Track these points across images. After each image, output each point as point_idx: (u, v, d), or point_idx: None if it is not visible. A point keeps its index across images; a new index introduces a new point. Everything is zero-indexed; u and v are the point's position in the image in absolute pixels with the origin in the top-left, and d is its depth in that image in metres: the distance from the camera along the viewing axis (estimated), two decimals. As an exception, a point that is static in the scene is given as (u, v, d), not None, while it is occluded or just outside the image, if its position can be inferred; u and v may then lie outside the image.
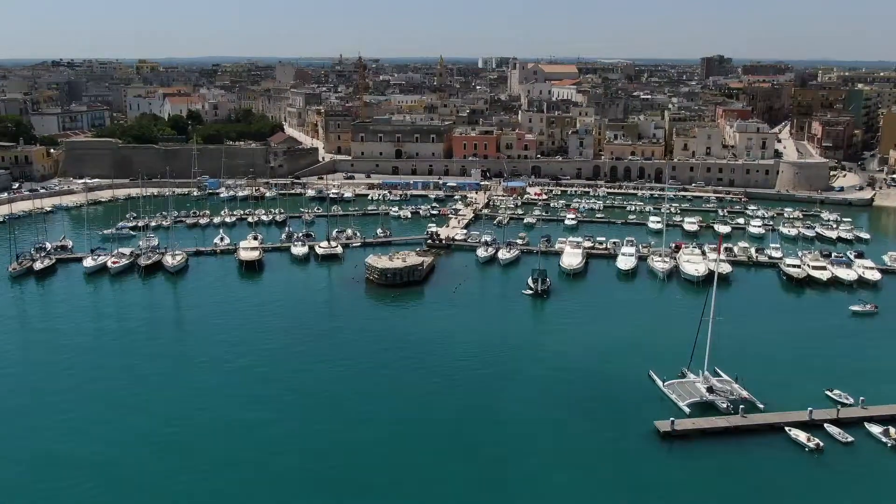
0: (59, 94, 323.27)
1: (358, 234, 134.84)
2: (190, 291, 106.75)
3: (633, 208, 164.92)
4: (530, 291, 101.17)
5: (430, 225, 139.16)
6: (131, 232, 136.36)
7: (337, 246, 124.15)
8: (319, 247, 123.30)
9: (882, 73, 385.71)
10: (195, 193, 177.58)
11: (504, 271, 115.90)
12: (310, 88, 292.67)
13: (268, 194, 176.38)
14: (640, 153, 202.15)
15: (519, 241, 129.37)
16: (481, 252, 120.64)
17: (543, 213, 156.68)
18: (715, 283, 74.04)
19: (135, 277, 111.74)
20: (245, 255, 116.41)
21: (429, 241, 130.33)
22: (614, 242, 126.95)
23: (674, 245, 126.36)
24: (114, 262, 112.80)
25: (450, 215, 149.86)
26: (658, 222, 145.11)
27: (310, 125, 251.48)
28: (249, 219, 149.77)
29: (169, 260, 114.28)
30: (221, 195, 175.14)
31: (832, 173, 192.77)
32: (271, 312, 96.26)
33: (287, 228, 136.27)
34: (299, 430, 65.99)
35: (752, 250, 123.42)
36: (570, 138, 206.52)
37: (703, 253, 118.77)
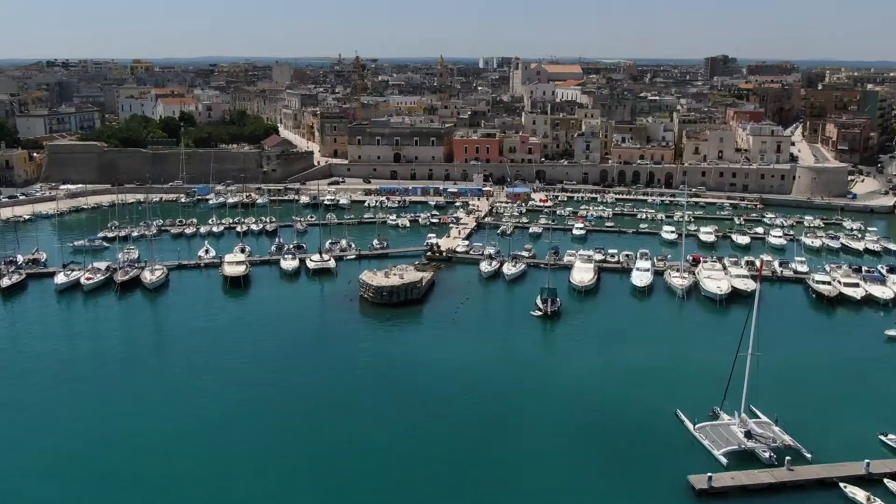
0: (48, 96, 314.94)
1: (353, 245, 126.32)
2: (168, 311, 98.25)
3: (645, 216, 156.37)
4: (539, 313, 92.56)
5: (429, 235, 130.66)
6: (105, 244, 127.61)
7: (329, 259, 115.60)
8: (311, 260, 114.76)
9: (893, 74, 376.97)
10: (183, 200, 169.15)
11: (509, 288, 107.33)
12: (306, 89, 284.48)
13: (259, 201, 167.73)
14: (650, 157, 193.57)
15: (525, 254, 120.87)
16: (485, 266, 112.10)
17: (550, 222, 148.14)
18: (756, 313, 64.84)
19: (111, 295, 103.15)
20: (230, 270, 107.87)
21: (428, 253, 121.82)
22: (627, 255, 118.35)
23: (691, 258, 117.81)
24: (88, 279, 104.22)
25: (451, 224, 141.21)
26: (672, 232, 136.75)
27: (306, 127, 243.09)
28: (238, 228, 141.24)
29: (147, 275, 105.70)
30: (211, 202, 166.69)
31: (850, 178, 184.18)
32: (256, 337, 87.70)
33: (277, 239, 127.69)
34: (279, 468, 57.55)
35: (776, 264, 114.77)
36: (576, 141, 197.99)
37: (724, 267, 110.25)
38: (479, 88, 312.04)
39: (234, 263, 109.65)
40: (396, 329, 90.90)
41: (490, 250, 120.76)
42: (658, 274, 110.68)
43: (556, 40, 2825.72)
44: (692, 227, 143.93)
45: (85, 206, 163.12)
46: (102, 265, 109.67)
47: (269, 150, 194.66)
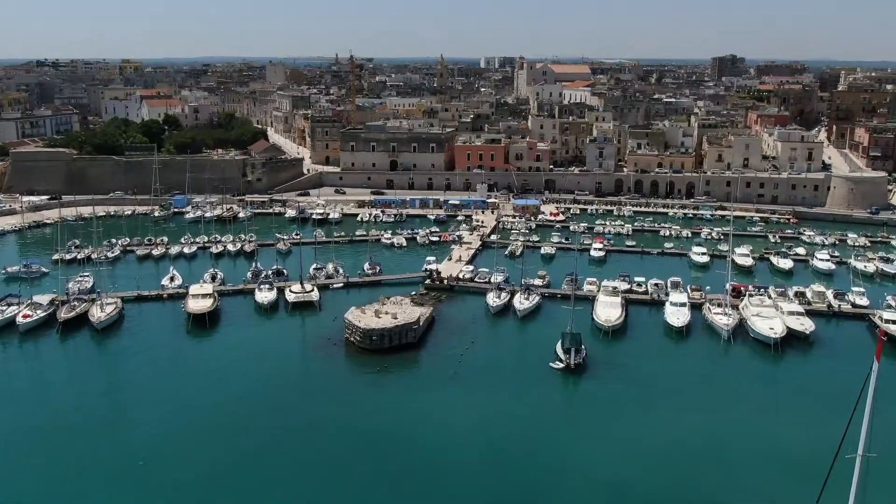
0: (27, 97, 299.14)
1: (340, 270, 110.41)
2: (114, 360, 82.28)
3: (668, 233, 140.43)
4: (560, 365, 76.55)
5: (428, 259, 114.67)
6: (43, 269, 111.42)
7: (312, 290, 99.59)
8: (291, 291, 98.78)
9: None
10: (156, 214, 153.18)
11: (522, 327, 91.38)
12: (298, 90, 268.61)
13: (241, 215, 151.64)
14: (669, 165, 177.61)
15: (538, 281, 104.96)
16: (492, 299, 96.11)
17: (563, 240, 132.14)
18: (870, 405, 47.91)
19: (52, 336, 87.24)
20: (193, 305, 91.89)
21: (427, 281, 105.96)
22: (657, 285, 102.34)
23: (729, 287, 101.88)
24: (25, 316, 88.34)
25: (452, 246, 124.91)
26: (704, 254, 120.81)
27: (297, 131, 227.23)
28: (213, 248, 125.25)
29: (96, 312, 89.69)
30: (187, 215, 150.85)
31: (889, 188, 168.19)
32: (217, 395, 71.94)
33: (254, 264, 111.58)
34: None
35: (830, 295, 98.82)
36: (588, 148, 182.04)
37: (773, 301, 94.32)
38: (482, 90, 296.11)
39: (199, 297, 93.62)
40: (387, 384, 74.97)
41: (498, 277, 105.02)
42: (694, 307, 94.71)
43: (557, 40, 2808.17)
44: (723, 247, 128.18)
45: (48, 221, 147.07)
46: (45, 298, 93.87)
47: (254, 158, 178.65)
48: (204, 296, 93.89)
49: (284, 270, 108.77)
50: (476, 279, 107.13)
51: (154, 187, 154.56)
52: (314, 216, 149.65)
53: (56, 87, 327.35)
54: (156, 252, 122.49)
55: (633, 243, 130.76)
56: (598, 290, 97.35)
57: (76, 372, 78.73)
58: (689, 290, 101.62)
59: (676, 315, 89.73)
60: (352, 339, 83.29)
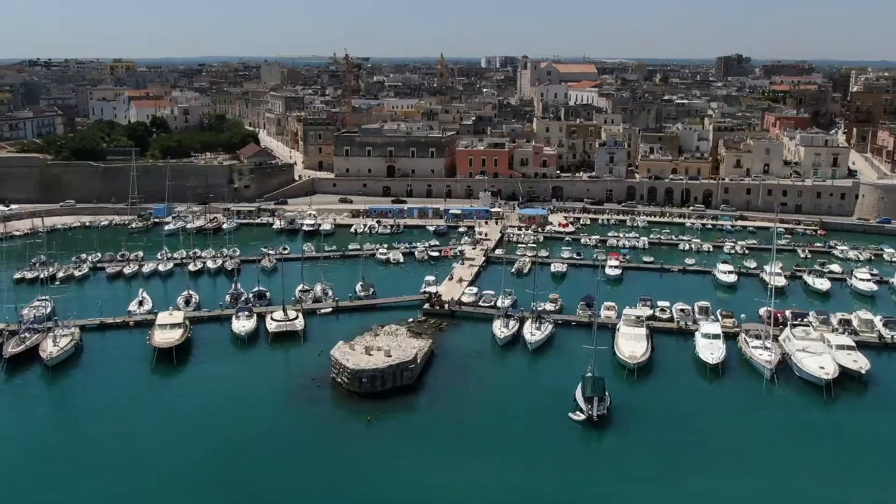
0: (11, 98, 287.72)
1: (329, 292, 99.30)
2: (63, 405, 71.40)
3: (687, 246, 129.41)
4: (581, 417, 65.40)
5: (427, 277, 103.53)
6: None
7: (297, 317, 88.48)
8: (272, 318, 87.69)
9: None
10: (134, 225, 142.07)
11: (534, 363, 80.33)
12: (292, 91, 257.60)
13: (225, 226, 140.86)
14: (684, 171, 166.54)
15: (549, 306, 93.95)
16: (499, 328, 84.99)
17: (575, 255, 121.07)
18: None
19: (-2, 374, 76.32)
20: (160, 337, 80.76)
21: (426, 305, 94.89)
22: (683, 311, 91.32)
23: (766, 313, 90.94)
24: (-36, 353, 77.32)
25: (453, 265, 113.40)
26: (731, 272, 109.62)
27: (290, 134, 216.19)
28: (191, 265, 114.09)
29: (49, 346, 78.58)
30: (168, 227, 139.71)
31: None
32: (177, 456, 60.95)
33: (234, 285, 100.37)
34: None
35: (879, 323, 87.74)
36: (598, 153, 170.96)
37: (817, 330, 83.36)
38: (485, 91, 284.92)
39: (166, 327, 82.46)
40: (379, 440, 63.87)
41: (505, 301, 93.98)
42: (727, 336, 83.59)
43: (557, 39, 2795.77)
44: (750, 264, 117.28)
45: (17, 233, 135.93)
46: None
47: (241, 164, 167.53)
48: (173, 326, 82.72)
49: (267, 293, 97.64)
50: (480, 303, 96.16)
51: (132, 196, 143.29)
52: (304, 227, 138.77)
53: (42, 88, 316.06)
54: (128, 270, 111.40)
55: (651, 259, 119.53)
56: (619, 319, 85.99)
57: (17, 421, 67.76)
58: (719, 317, 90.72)
59: (710, 349, 78.57)
60: (339, 379, 72.24)
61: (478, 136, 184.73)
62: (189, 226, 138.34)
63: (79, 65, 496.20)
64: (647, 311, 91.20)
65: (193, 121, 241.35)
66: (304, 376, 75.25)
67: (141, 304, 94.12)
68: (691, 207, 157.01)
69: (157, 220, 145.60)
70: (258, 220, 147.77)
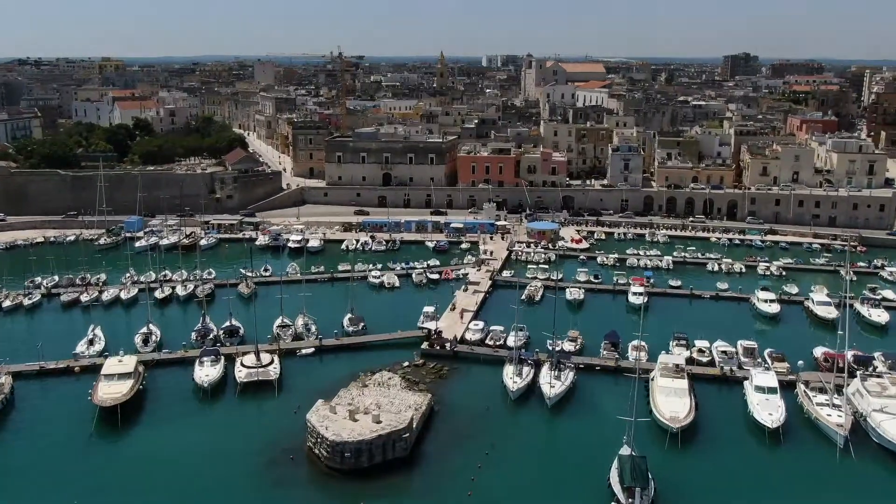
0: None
1: (313, 327, 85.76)
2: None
3: (716, 267, 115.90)
4: (621, 510, 51.86)
5: (426, 308, 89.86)
6: None
7: (271, 362, 74.89)
8: (243, 364, 74.10)
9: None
10: (103, 241, 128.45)
11: (554, 425, 66.66)
12: (284, 91, 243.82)
13: (203, 242, 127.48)
14: (706, 179, 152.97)
15: (568, 346, 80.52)
16: (511, 377, 71.30)
17: (592, 279, 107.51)
18: None
19: None
20: (104, 391, 67.13)
21: (425, 344, 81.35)
22: (725, 353, 77.80)
23: (821, 355, 77.66)
24: None
25: (455, 293, 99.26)
26: (772, 302, 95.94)
27: (280, 138, 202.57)
28: (158, 292, 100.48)
29: (-32, 402, 65.17)
30: (140, 243, 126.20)
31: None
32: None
33: (202, 319, 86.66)
34: None
35: (957, 369, 74.26)
36: (612, 159, 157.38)
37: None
38: (487, 91, 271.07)
39: (113, 378, 68.85)
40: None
41: (517, 339, 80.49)
42: (783, 384, 70.09)
43: (557, 39, 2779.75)
44: (791, 289, 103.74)
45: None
46: None
47: (224, 172, 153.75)
48: (121, 376, 69.06)
49: (240, 329, 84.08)
50: (488, 341, 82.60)
51: (99, 208, 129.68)
52: (290, 244, 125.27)
53: (23, 88, 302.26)
54: (85, 297, 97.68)
55: (678, 283, 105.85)
56: (655, 369, 72.25)
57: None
58: (768, 359, 77.31)
59: (766, 408, 64.92)
60: (317, 451, 58.71)
61: (481, 141, 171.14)
62: (163, 242, 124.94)
63: (68, 64, 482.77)
64: (684, 353, 77.75)
65: (180, 123, 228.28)
66: (275, 444, 61.57)
67: (91, 343, 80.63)
68: (716, 220, 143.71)
69: (129, 234, 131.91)
70: (240, 235, 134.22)
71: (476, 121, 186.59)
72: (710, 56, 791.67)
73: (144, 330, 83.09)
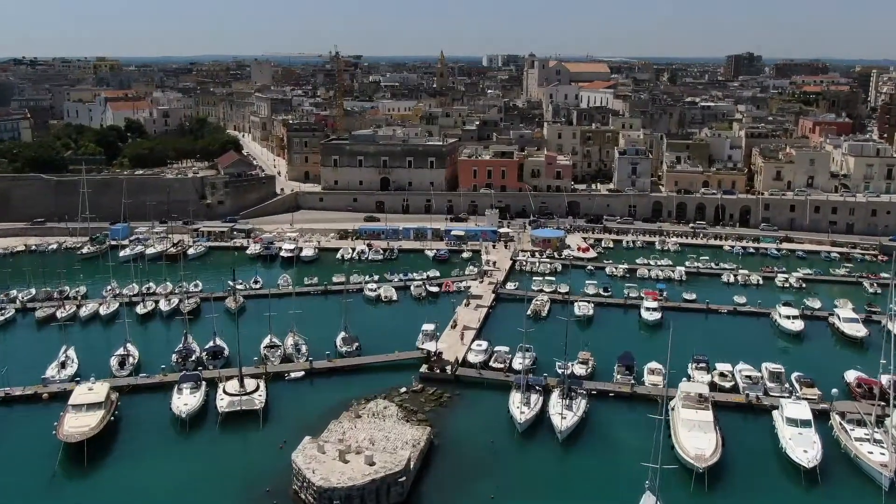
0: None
1: (303, 347, 79.72)
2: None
3: (731, 278, 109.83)
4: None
5: (425, 326, 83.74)
6: None
7: (256, 388, 68.84)
8: (225, 392, 68.02)
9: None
10: (86, 249, 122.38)
11: (566, 461, 60.54)
12: (280, 92, 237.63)
13: (191, 251, 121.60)
14: (717, 184, 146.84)
15: (579, 369, 74.47)
16: (518, 407, 65.08)
17: (602, 292, 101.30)
18: None
19: None
20: (70, 424, 61.01)
21: (423, 367, 75.25)
22: (749, 378, 71.69)
23: (855, 381, 71.62)
24: None
25: (456, 310, 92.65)
26: (795, 318, 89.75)
27: (275, 140, 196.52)
28: (140, 307, 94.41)
29: (-81, 439, 59.06)
30: (125, 252, 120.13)
31: None
32: None
33: (184, 338, 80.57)
34: None
35: None
36: (619, 163, 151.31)
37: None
38: (489, 91, 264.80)
39: (81, 409, 62.77)
40: None
41: (523, 360, 74.25)
42: (815, 413, 63.97)
43: (558, 38, 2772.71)
44: (813, 303, 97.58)
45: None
46: None
47: (214, 176, 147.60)
48: (90, 406, 62.98)
49: (225, 350, 78.06)
50: (492, 363, 76.49)
51: (82, 215, 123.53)
52: (282, 253, 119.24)
53: (15, 89, 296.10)
54: (62, 313, 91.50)
55: (693, 297, 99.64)
56: (677, 398, 65.98)
57: None
58: (796, 384, 71.29)
59: (801, 444, 58.80)
60: (303, 496, 52.63)
61: (482, 144, 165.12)
62: (148, 251, 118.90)
63: (64, 64, 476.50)
64: (705, 378, 71.65)
65: (174, 124, 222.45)
66: (257, 484, 55.53)
67: (63, 366, 74.52)
68: (727, 227, 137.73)
69: (114, 242, 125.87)
70: (230, 243, 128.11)
71: (477, 122, 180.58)
72: (711, 56, 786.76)
73: (121, 351, 77.02)
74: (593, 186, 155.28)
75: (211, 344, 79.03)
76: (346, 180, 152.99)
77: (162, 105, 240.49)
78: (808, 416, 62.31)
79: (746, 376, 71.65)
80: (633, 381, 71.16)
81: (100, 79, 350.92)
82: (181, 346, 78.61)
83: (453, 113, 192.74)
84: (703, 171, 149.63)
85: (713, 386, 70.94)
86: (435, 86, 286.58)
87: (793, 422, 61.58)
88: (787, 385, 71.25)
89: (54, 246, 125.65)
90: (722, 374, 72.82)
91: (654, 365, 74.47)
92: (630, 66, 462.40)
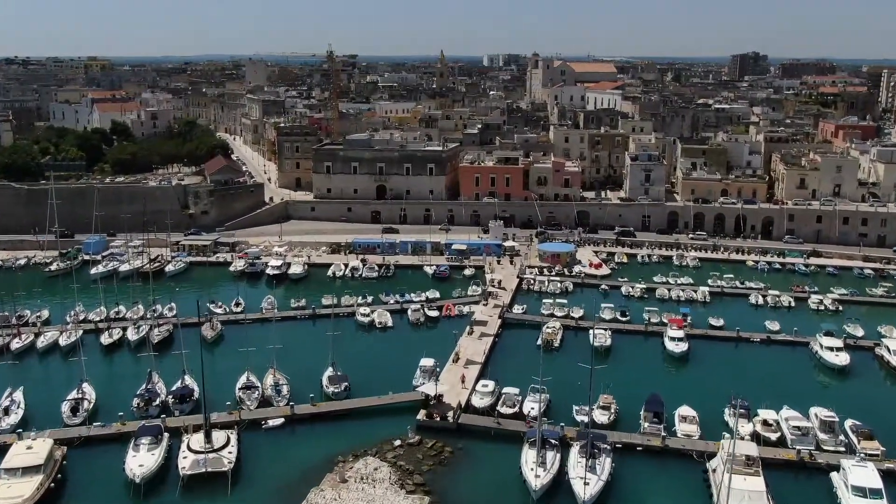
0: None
1: (284, 388, 69.86)
2: None
3: (759, 299, 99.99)
4: None
5: (423, 362, 74.01)
6: None
7: (226, 443, 59.06)
8: (188, 448, 58.24)
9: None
10: (55, 266, 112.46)
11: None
12: (272, 93, 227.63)
13: (170, 267, 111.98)
14: (737, 192, 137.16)
15: (601, 415, 64.66)
16: (531, 469, 55.12)
17: (619, 317, 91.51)
18: None
19: None
20: (1, 493, 51.31)
21: (422, 413, 65.45)
22: (798, 428, 61.90)
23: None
24: None
25: (458, 343, 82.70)
26: (839, 350, 79.92)
27: (266, 144, 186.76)
28: (105, 336, 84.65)
29: None
30: (98, 268, 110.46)
31: None
32: None
33: (148, 378, 70.72)
34: None
35: None
36: (632, 169, 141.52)
37: None
38: (491, 93, 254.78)
39: (16, 473, 53.09)
40: None
41: (534, 404, 64.62)
42: (883, 474, 54.29)
43: (558, 38, 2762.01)
44: (856, 331, 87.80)
45: None
46: None
47: (198, 185, 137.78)
48: (26, 471, 53.26)
49: (194, 391, 68.14)
50: (500, 407, 66.64)
51: (50, 227, 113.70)
52: (268, 271, 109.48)
53: (1, 89, 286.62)
54: (17, 343, 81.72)
55: (721, 322, 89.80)
56: (718, 459, 56.08)
57: None
58: (852, 435, 61.58)
59: (873, 520, 49.14)
60: None
61: (485, 149, 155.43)
62: (122, 267, 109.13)
63: (56, 63, 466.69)
64: (746, 428, 61.88)
65: (162, 126, 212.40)
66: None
67: (7, 412, 64.72)
68: (748, 239, 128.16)
69: (87, 257, 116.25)
70: (213, 258, 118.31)
71: (479, 126, 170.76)
72: (712, 56, 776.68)
73: (75, 394, 67.11)
74: (603, 194, 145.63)
75: (179, 384, 69.38)
76: (339, 188, 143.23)
77: (151, 106, 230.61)
78: (879, 483, 52.59)
79: (795, 427, 61.86)
80: (664, 435, 61.34)
81: (90, 79, 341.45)
82: (144, 387, 68.75)
83: (454, 115, 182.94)
84: (722, 178, 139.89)
85: (755, 437, 61.23)
86: (435, 86, 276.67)
87: (860, 491, 51.88)
88: (841, 437, 61.54)
89: (23, 261, 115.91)
90: (765, 423, 63.04)
91: (686, 411, 64.81)
92: (633, 65, 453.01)
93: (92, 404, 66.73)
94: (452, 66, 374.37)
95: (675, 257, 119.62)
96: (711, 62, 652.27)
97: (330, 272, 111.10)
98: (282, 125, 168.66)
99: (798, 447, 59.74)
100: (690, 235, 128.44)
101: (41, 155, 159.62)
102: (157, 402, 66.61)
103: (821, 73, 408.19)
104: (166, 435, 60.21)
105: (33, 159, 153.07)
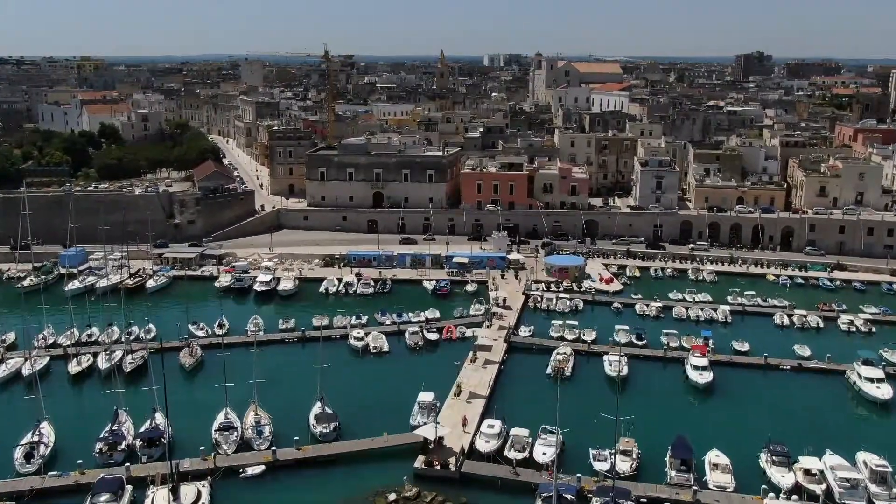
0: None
1: (266, 429, 62.48)
2: None
3: (784, 320, 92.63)
4: None
5: (422, 397, 66.68)
6: None
7: (196, 499, 51.72)
8: (157, 497, 50.93)
9: None
10: (27, 282, 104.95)
11: None
12: (267, 95, 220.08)
13: (151, 282, 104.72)
14: (754, 200, 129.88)
15: (623, 462, 57.37)
16: (547, 531, 48.20)
17: (635, 340, 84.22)
18: None
19: None
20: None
21: (420, 461, 58.13)
22: (847, 480, 54.57)
23: None
24: None
25: (463, 369, 75.26)
26: (880, 381, 72.55)
27: (259, 147, 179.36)
28: (73, 363, 77.28)
29: None
30: (74, 284, 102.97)
31: None
32: None
33: (114, 418, 63.27)
34: None
35: None
36: (642, 176, 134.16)
37: None
38: (493, 94, 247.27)
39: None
40: None
41: (547, 449, 57.53)
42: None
43: (558, 37, 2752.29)
44: (893, 356, 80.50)
45: None
46: None
47: (185, 193, 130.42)
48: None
49: (165, 433, 60.61)
50: (507, 452, 59.31)
51: (22, 239, 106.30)
52: (256, 287, 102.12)
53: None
54: (-24, 372, 74.50)
55: (746, 347, 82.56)
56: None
57: None
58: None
59: None
60: None
61: (487, 153, 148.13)
62: (101, 282, 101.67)
63: (50, 63, 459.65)
64: (787, 479, 54.64)
65: (153, 129, 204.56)
66: None
67: (-50, 459, 57.48)
68: (767, 251, 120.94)
69: (63, 271, 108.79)
70: (199, 272, 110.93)
71: (481, 129, 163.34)
72: (715, 55, 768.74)
73: (32, 437, 59.88)
74: (611, 202, 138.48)
75: (148, 425, 62.08)
76: (334, 195, 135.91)
77: (142, 108, 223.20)
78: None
79: (843, 479, 54.51)
80: (695, 488, 54.00)
81: (83, 79, 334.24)
82: (109, 428, 61.45)
83: (454, 118, 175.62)
84: (738, 185, 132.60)
85: (797, 490, 53.98)
86: (434, 87, 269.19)
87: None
88: (895, 490, 54.27)
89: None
90: (808, 473, 55.72)
91: (717, 458, 57.58)
92: (636, 65, 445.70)
93: (49, 448, 59.50)
94: (452, 66, 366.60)
95: (690, 271, 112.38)
96: (714, 62, 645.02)
97: (322, 288, 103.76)
98: (274, 129, 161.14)
99: (847, 502, 52.44)
100: (691, 246, 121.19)
101: (23, 160, 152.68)
102: (123, 445, 59.39)
103: (827, 74, 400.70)
104: (129, 489, 53.02)
105: (13, 164, 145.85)
